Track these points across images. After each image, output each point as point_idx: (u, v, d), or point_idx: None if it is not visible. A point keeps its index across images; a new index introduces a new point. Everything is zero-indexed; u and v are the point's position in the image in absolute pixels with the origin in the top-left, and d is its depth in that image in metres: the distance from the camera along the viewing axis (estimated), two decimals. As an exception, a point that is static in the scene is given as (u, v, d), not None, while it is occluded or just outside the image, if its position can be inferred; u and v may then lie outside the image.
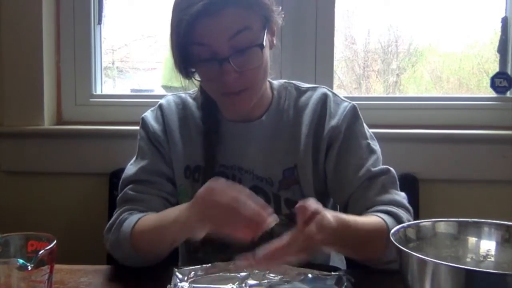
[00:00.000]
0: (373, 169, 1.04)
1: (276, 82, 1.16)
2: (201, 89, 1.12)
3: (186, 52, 0.98)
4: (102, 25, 1.79)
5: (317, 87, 1.14)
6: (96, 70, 1.78)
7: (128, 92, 2.00)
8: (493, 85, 1.67)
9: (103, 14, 1.78)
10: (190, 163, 1.11)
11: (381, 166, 1.06)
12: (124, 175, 1.13)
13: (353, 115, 1.09)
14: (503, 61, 1.70)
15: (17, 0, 1.65)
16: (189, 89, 1.18)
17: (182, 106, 1.15)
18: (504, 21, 1.69)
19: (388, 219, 0.96)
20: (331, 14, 1.67)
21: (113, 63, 2.02)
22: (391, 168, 1.07)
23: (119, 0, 1.91)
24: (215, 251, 1.09)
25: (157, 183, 1.10)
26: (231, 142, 1.11)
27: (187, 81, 1.05)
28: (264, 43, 0.97)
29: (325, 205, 1.01)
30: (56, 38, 1.74)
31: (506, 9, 1.69)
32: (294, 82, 1.16)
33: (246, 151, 1.10)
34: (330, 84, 1.66)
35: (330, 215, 0.84)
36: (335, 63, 1.71)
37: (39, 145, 1.69)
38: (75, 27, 1.74)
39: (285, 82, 1.16)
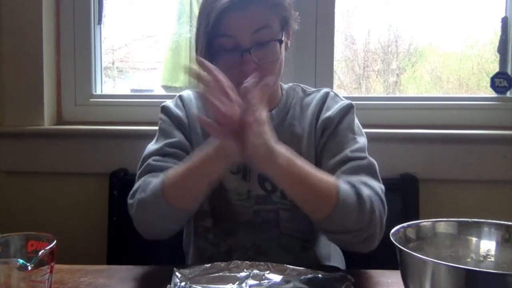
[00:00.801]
0: (350, 154, 1.07)
1: (285, 85, 1.24)
2: None
3: (211, 42, 1.05)
4: (102, 25, 1.79)
5: (322, 88, 1.22)
6: (96, 70, 1.78)
7: (128, 92, 2.00)
8: (493, 85, 1.67)
9: (103, 14, 1.78)
10: None
11: (361, 154, 1.08)
12: (146, 152, 1.14)
13: (347, 111, 1.15)
14: (503, 61, 1.70)
15: (17, 0, 1.65)
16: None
17: (200, 98, 1.21)
18: (504, 21, 1.69)
19: (343, 184, 0.98)
20: (331, 14, 1.67)
21: (113, 63, 2.02)
22: (371, 159, 1.08)
23: (119, 0, 1.91)
24: (224, 233, 1.14)
25: (182, 157, 1.11)
26: None
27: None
28: (283, 39, 1.08)
29: None
30: (56, 38, 1.74)
31: (506, 9, 1.69)
32: (301, 85, 1.25)
33: None
34: (330, 84, 1.66)
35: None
36: (335, 63, 1.71)
37: (39, 145, 1.69)
38: (75, 27, 1.74)
39: (293, 84, 1.25)
